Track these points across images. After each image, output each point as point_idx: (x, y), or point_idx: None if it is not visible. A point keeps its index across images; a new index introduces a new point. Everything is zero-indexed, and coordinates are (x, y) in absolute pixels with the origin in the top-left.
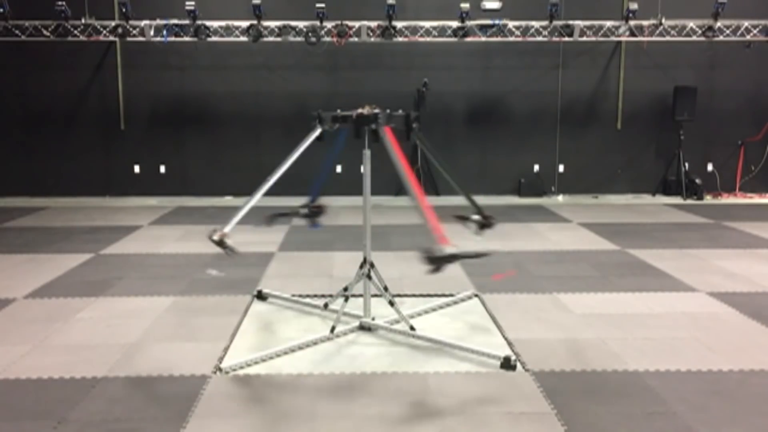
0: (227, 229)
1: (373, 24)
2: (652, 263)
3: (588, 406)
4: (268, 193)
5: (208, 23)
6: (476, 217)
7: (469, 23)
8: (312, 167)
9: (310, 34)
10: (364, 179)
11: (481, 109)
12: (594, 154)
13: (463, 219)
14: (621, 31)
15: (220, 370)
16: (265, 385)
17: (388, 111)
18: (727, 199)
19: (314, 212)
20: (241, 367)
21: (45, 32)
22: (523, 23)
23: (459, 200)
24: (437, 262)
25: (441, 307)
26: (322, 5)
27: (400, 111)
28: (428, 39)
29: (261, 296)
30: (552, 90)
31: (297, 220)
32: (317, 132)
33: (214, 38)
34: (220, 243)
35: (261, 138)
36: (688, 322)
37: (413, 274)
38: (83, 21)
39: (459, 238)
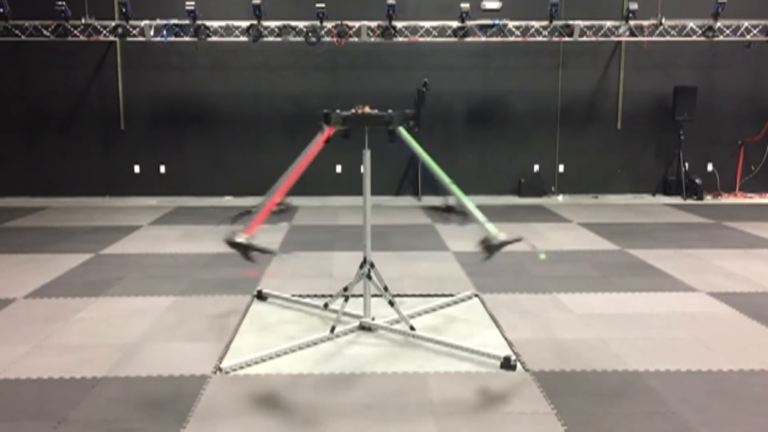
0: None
1: (373, 24)
2: (652, 263)
3: (588, 406)
4: (264, 193)
5: (208, 23)
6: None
7: (469, 23)
8: (313, 168)
9: (310, 34)
10: (364, 179)
11: (481, 109)
12: (594, 154)
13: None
14: (621, 31)
15: (220, 370)
16: (265, 385)
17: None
18: (727, 199)
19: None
20: (241, 367)
21: (45, 32)
22: (523, 23)
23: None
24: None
25: (441, 307)
26: (322, 5)
27: (389, 110)
28: (428, 39)
29: (261, 296)
30: (552, 90)
31: (298, 216)
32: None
33: (214, 38)
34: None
35: (261, 138)
36: (688, 322)
37: (413, 274)
38: (83, 21)
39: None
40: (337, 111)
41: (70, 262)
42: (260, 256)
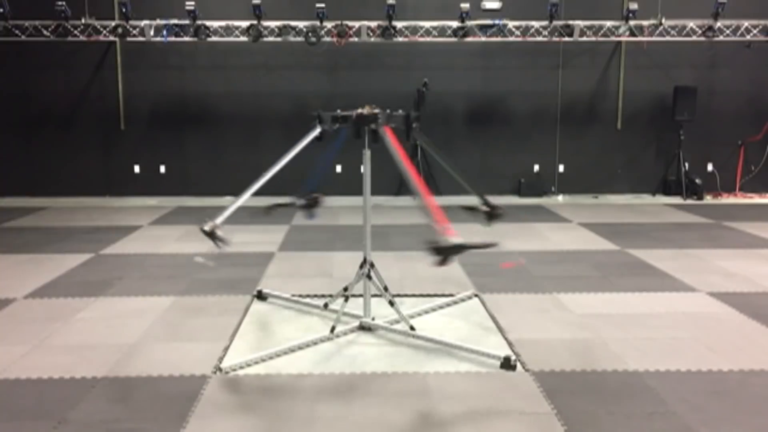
0: (218, 220)
1: (373, 24)
2: (652, 263)
3: (588, 406)
4: (265, 192)
5: (208, 23)
6: (484, 207)
7: (469, 23)
8: (310, 166)
9: (310, 34)
10: (364, 179)
11: (481, 109)
12: (594, 154)
13: (471, 209)
14: (621, 31)
15: (220, 370)
16: (265, 385)
17: (388, 111)
18: (727, 199)
19: (311, 203)
20: (241, 367)
21: (45, 32)
22: (523, 23)
23: (460, 200)
24: (444, 252)
25: (441, 307)
26: (322, 5)
27: (400, 111)
28: (428, 39)
29: (261, 296)
30: (552, 90)
31: (298, 216)
32: (316, 131)
33: (214, 38)
34: (211, 234)
35: (261, 138)
36: (688, 322)
37: (413, 274)
38: (83, 21)
39: (466, 234)
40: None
41: (70, 262)
42: (257, 259)
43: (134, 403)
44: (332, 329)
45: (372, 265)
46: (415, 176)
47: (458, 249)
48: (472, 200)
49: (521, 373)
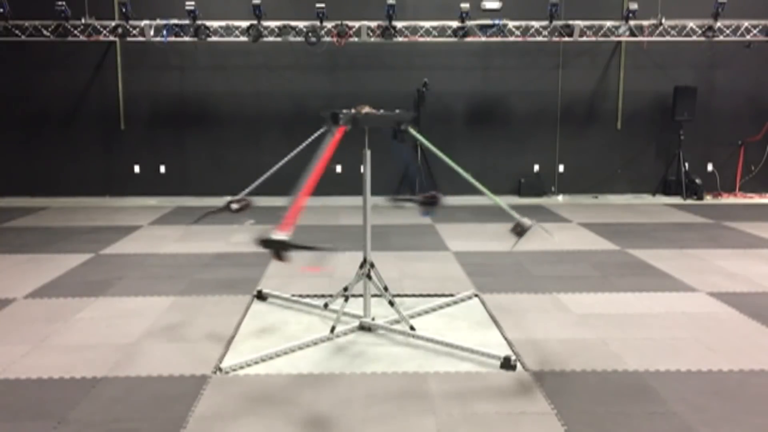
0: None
1: (373, 24)
2: (652, 263)
3: (588, 406)
4: (269, 193)
5: (208, 23)
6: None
7: (469, 23)
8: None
9: (310, 34)
10: (364, 179)
11: (481, 109)
12: (594, 154)
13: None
14: (621, 31)
15: (220, 370)
16: (265, 385)
17: (379, 110)
18: (727, 199)
19: (430, 201)
20: (241, 367)
21: (45, 32)
22: (523, 23)
23: (460, 200)
24: (270, 246)
25: (441, 307)
26: (322, 5)
27: (397, 110)
28: (428, 39)
29: (261, 296)
30: (552, 90)
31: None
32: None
33: (214, 38)
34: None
35: (261, 138)
36: (688, 322)
37: (413, 274)
38: (83, 21)
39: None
40: (345, 111)
41: (70, 262)
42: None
43: (134, 403)
44: (332, 329)
45: (372, 265)
46: (313, 179)
47: (283, 245)
48: (474, 200)
49: (521, 373)
